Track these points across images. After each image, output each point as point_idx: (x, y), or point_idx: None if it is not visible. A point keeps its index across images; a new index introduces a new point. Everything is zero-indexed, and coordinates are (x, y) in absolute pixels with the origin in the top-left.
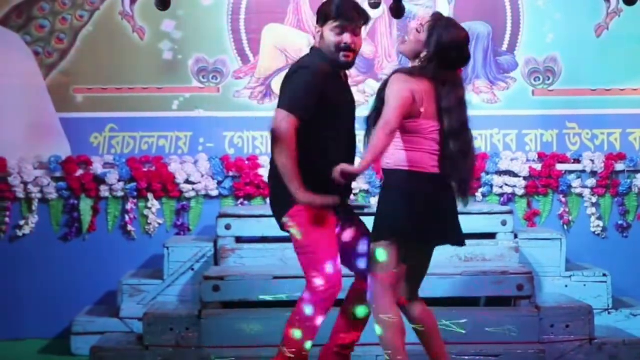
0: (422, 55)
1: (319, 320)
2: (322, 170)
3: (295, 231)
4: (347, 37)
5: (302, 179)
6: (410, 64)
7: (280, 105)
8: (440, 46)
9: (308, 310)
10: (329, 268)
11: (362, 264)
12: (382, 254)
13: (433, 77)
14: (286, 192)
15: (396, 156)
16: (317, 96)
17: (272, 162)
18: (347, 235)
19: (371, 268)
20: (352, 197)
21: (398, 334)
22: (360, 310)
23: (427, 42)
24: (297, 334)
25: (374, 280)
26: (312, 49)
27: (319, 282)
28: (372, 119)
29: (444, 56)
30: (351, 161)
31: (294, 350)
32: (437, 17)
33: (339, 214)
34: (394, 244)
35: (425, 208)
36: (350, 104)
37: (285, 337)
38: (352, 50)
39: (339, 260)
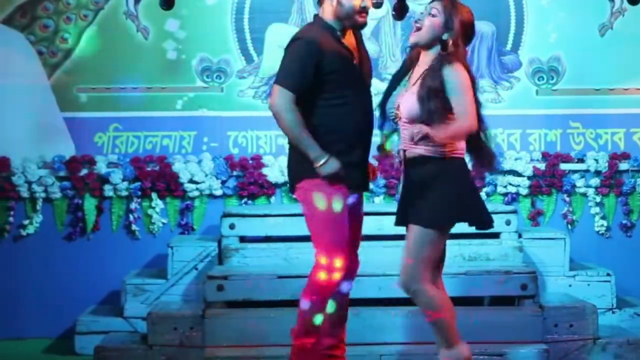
0: (445, 37)
1: (331, 289)
2: (337, 141)
3: (303, 203)
4: (365, 1)
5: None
6: (424, 52)
7: (275, 81)
8: (463, 24)
9: (320, 279)
10: (340, 241)
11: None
12: (427, 240)
13: (465, 58)
14: (298, 163)
15: (446, 144)
16: (313, 67)
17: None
18: (355, 218)
19: (411, 255)
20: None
21: (452, 310)
22: (330, 306)
23: (447, 24)
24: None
25: (419, 265)
26: (315, 16)
27: (333, 260)
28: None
29: (466, 35)
30: (368, 129)
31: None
32: (445, 0)
33: (357, 188)
34: (445, 231)
35: (475, 191)
36: (359, 70)
37: (300, 312)
38: (367, 12)
39: (348, 234)
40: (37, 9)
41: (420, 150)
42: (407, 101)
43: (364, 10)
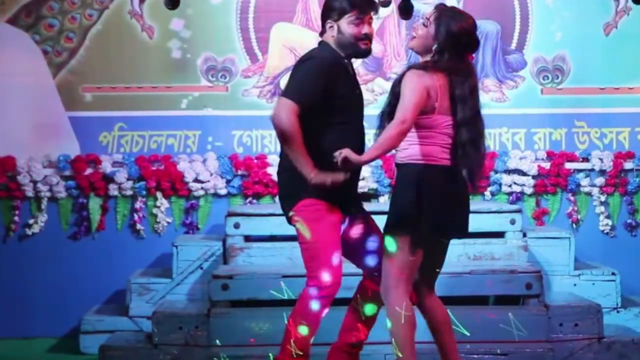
0: (433, 48)
1: (322, 315)
2: (331, 163)
3: (300, 226)
4: (365, 28)
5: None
6: (421, 59)
7: (282, 94)
8: (450, 35)
9: (312, 305)
10: (333, 264)
11: (370, 261)
12: (394, 246)
13: (447, 68)
14: (294, 185)
15: (409, 150)
16: (322, 86)
17: (282, 156)
18: (356, 231)
19: (384, 261)
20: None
21: (408, 328)
22: (369, 308)
23: (436, 33)
24: (303, 330)
25: (386, 273)
26: (321, 43)
27: (325, 277)
28: (386, 115)
29: (455, 44)
30: (363, 149)
31: (301, 347)
32: (441, 8)
33: (346, 210)
34: (406, 237)
35: (440, 201)
36: (360, 98)
37: (288, 334)
38: (370, 39)
39: (340, 257)
40: (42, 9)
41: (397, 158)
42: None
43: (365, 38)
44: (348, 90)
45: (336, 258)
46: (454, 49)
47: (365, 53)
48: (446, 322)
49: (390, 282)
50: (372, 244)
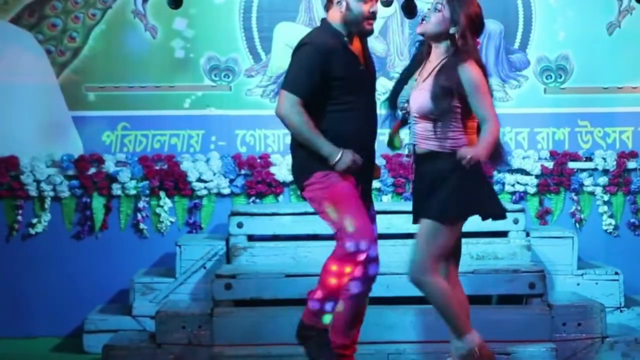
0: (452, 31)
1: (354, 273)
2: (343, 145)
3: (315, 200)
4: (374, 6)
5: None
6: (434, 46)
7: (283, 86)
8: (469, 16)
9: (346, 261)
10: (360, 215)
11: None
12: (442, 230)
13: (478, 57)
14: (307, 160)
15: (460, 140)
16: (320, 73)
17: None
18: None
19: (423, 244)
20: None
21: (462, 304)
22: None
23: (453, 18)
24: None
25: (427, 255)
26: (323, 21)
27: (350, 228)
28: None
29: (474, 27)
30: (372, 134)
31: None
32: None
33: (359, 182)
34: (460, 221)
35: (488, 185)
36: (363, 76)
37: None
38: (375, 18)
39: (366, 218)
40: (46, 8)
41: (431, 146)
42: (418, 97)
43: (372, 17)
44: (348, 71)
45: (362, 212)
46: (473, 32)
47: (369, 33)
48: (467, 305)
49: (430, 265)
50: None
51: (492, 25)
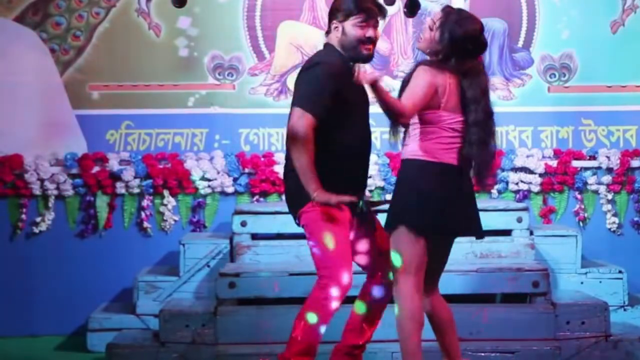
0: (439, 52)
1: (332, 314)
2: (338, 168)
3: (309, 227)
4: (370, 31)
5: (323, 177)
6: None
7: (295, 104)
8: (454, 41)
9: (323, 304)
10: (340, 267)
11: (374, 261)
12: (397, 240)
13: (456, 69)
14: (302, 188)
15: (411, 146)
16: (331, 93)
17: (288, 158)
18: (363, 232)
19: (391, 256)
20: (367, 193)
21: (414, 324)
22: (359, 306)
23: (441, 39)
24: (314, 324)
25: (394, 268)
26: (326, 45)
27: (343, 277)
28: None
29: (461, 50)
30: (367, 158)
31: (308, 344)
32: (447, 12)
33: (355, 212)
34: (409, 230)
35: (438, 198)
36: (365, 100)
37: (297, 330)
38: (374, 43)
39: (350, 259)
40: (50, 7)
41: (404, 154)
42: None
43: (368, 42)
44: (352, 95)
45: (343, 262)
46: (459, 54)
47: (367, 58)
48: (450, 320)
49: (399, 277)
50: (376, 244)
51: (496, 24)
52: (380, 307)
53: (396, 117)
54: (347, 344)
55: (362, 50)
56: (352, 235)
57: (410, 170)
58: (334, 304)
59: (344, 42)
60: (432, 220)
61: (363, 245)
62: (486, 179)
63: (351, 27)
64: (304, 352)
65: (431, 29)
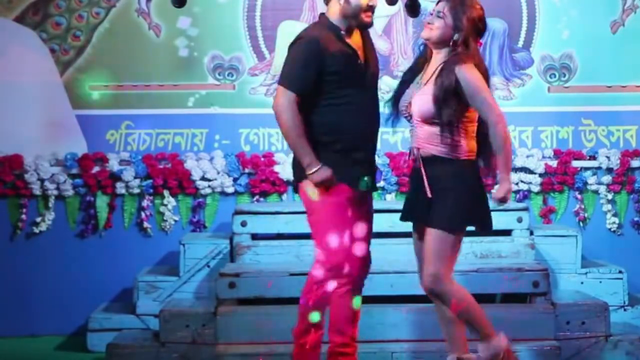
0: (455, 38)
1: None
2: (338, 140)
3: (306, 202)
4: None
5: (320, 153)
6: (436, 51)
7: (279, 82)
8: (471, 22)
9: (319, 287)
10: (335, 245)
11: (362, 250)
12: (451, 242)
13: (480, 61)
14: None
15: (462, 147)
16: (315, 66)
17: None
18: (363, 213)
19: (436, 256)
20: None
21: (479, 308)
22: (357, 301)
23: (455, 24)
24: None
25: (442, 268)
26: (321, 15)
27: (321, 257)
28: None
29: (477, 32)
30: (373, 129)
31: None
32: None
33: (357, 189)
34: (464, 232)
35: (485, 195)
36: (364, 69)
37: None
38: (374, 11)
39: (343, 240)
40: (50, 7)
41: (434, 150)
42: (420, 101)
43: (370, 9)
44: (344, 65)
45: (341, 236)
46: (475, 36)
47: (368, 25)
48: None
49: (445, 275)
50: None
51: (496, 24)
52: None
53: (505, 130)
54: (336, 343)
55: (365, 17)
56: (350, 213)
57: (468, 169)
58: (330, 285)
59: (347, 10)
60: (490, 219)
61: (361, 229)
62: (495, 169)
63: None
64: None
65: (441, 17)
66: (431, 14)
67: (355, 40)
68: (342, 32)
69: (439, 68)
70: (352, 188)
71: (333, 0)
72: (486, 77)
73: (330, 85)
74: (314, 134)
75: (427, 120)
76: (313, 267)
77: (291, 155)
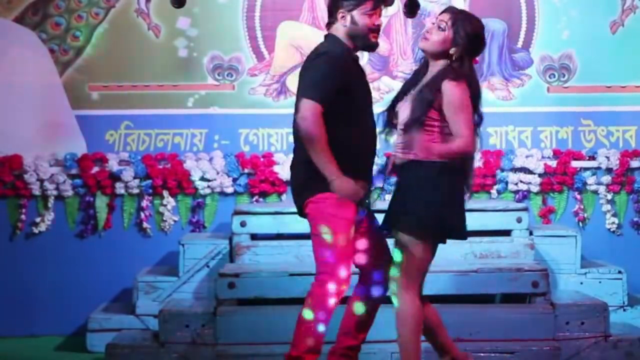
0: (452, 51)
1: (333, 310)
2: (347, 164)
3: (313, 218)
4: (378, 19)
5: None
6: (432, 62)
7: (302, 94)
8: (469, 39)
9: (324, 301)
10: (339, 263)
11: (374, 260)
12: (418, 248)
13: (472, 81)
14: (311, 178)
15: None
16: (338, 82)
17: (296, 149)
18: (365, 230)
19: (402, 261)
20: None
21: (418, 329)
22: (359, 307)
23: (454, 38)
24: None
25: (405, 273)
26: (328, 36)
27: (341, 273)
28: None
29: (474, 48)
30: (374, 154)
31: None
32: (455, 12)
33: (360, 208)
34: (434, 240)
35: (460, 201)
36: (369, 95)
37: (301, 329)
38: (379, 32)
39: (349, 256)
40: (49, 7)
41: (410, 155)
42: (404, 109)
43: (377, 30)
44: (357, 86)
45: (344, 259)
46: (472, 53)
47: (375, 46)
48: (440, 320)
49: (407, 283)
50: (373, 242)
51: (495, 25)
52: (377, 307)
53: (460, 154)
54: (343, 345)
55: (371, 38)
56: (353, 232)
57: (433, 173)
58: (332, 300)
59: (354, 31)
60: (462, 226)
61: (363, 243)
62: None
63: (360, 16)
64: (310, 350)
65: (442, 29)
66: (432, 24)
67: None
68: (356, 54)
69: (429, 79)
70: (358, 206)
71: (338, 21)
72: (477, 95)
73: (344, 104)
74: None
75: (408, 128)
76: (317, 283)
77: (291, 157)
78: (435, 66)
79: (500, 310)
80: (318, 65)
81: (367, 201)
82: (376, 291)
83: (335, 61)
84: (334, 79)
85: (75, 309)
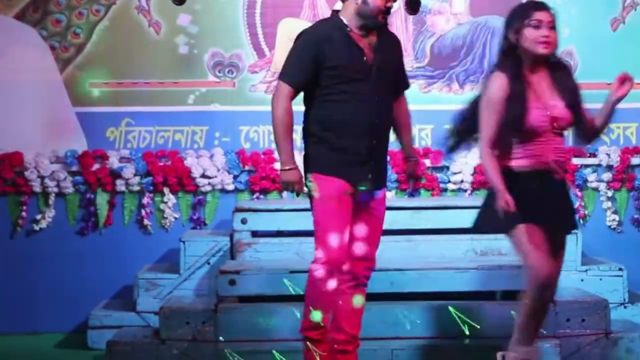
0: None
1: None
2: (335, 136)
3: (312, 191)
4: (390, 1)
5: (318, 146)
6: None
7: (278, 77)
8: None
9: (314, 282)
10: (332, 241)
11: (362, 249)
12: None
13: None
14: (308, 155)
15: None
16: (310, 61)
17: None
18: (361, 217)
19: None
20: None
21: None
22: (357, 300)
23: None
24: (315, 315)
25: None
26: (332, 12)
27: (319, 254)
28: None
29: None
30: (376, 126)
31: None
32: (548, 6)
33: (355, 192)
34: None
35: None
36: (370, 67)
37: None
38: (390, 13)
39: (342, 237)
40: (49, 4)
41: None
42: (560, 109)
43: (387, 12)
44: (345, 61)
45: (337, 236)
46: None
47: (381, 26)
48: None
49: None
50: (370, 232)
51: (496, 22)
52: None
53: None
54: (337, 340)
55: (381, 19)
56: (349, 210)
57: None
58: (331, 284)
59: (364, 10)
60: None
61: (361, 230)
62: None
63: None
64: (310, 328)
65: (554, 28)
66: (538, 27)
67: (369, 38)
68: (348, 29)
69: (558, 77)
70: (350, 184)
71: (352, 2)
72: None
73: (330, 79)
74: (312, 128)
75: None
76: (313, 264)
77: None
78: (541, 65)
79: (501, 307)
80: (293, 47)
81: (360, 188)
82: (367, 280)
83: (307, 41)
84: (305, 59)
85: (75, 306)
